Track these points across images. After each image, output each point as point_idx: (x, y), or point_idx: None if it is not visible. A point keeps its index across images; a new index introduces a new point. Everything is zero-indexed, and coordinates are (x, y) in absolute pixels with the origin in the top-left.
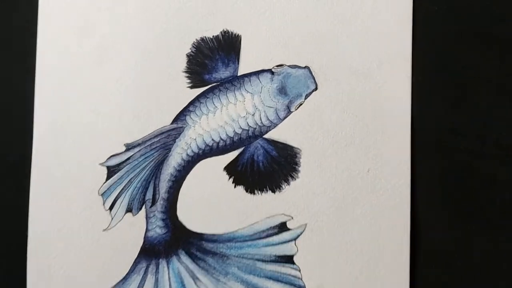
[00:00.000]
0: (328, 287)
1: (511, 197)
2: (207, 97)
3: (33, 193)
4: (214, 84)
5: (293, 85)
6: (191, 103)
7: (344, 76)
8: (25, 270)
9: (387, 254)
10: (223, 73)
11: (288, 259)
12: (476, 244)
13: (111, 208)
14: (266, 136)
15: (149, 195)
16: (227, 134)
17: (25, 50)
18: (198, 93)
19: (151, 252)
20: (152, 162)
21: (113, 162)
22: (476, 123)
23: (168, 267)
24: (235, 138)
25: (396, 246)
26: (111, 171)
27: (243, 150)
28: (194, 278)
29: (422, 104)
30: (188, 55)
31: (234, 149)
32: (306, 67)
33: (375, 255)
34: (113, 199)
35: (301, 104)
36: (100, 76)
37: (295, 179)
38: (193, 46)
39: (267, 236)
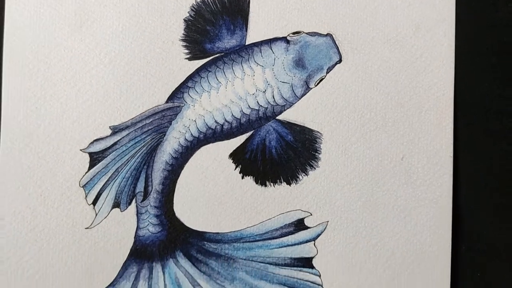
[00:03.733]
0: None
1: None
2: (209, 71)
3: (1, 187)
4: (217, 55)
5: (313, 57)
6: (190, 78)
7: (374, 45)
8: None
9: (425, 257)
10: (228, 41)
11: (306, 263)
12: None
13: (94, 202)
14: (280, 117)
15: (140, 187)
16: (233, 115)
17: None
18: (198, 65)
19: (143, 254)
20: (144, 148)
21: (97, 148)
22: None
23: (163, 272)
24: (243, 120)
25: (435, 246)
26: (95, 158)
27: (253, 134)
28: (195, 284)
29: (467, 78)
30: (186, 20)
31: (242, 133)
32: (328, 35)
33: (411, 258)
34: (97, 191)
35: (322, 79)
36: (80, 44)
37: (315, 169)
38: (192, 10)
39: (282, 235)
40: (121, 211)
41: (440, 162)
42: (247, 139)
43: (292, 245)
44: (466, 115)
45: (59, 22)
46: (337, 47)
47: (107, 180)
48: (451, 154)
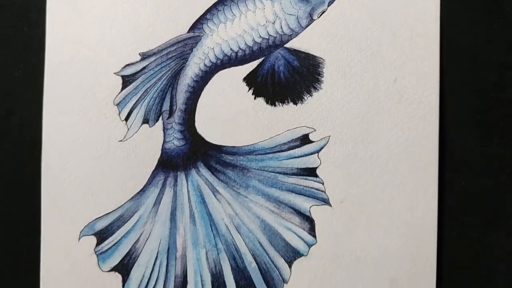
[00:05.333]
0: (352, 201)
1: None
2: (225, 5)
3: (46, 104)
4: None
5: None
6: (208, 10)
7: None
8: (39, 181)
9: (415, 166)
10: None
11: (310, 172)
12: (508, 158)
13: (127, 118)
14: (287, 45)
15: (166, 106)
16: (246, 44)
17: None
18: (216, 0)
19: (169, 164)
20: (169, 72)
21: (128, 71)
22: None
23: (186, 180)
24: (255, 48)
25: (424, 158)
26: (126, 81)
27: (263, 60)
28: (214, 191)
29: (453, 8)
30: None
31: (254, 59)
32: None
33: (402, 168)
34: (129, 109)
35: (324, 12)
36: None
37: (318, 90)
38: None
39: (289, 148)
40: (150, 127)
41: (428, 83)
42: (258, 65)
43: (298, 157)
44: (452, 42)
45: None
46: None
47: (137, 100)
48: (438, 76)
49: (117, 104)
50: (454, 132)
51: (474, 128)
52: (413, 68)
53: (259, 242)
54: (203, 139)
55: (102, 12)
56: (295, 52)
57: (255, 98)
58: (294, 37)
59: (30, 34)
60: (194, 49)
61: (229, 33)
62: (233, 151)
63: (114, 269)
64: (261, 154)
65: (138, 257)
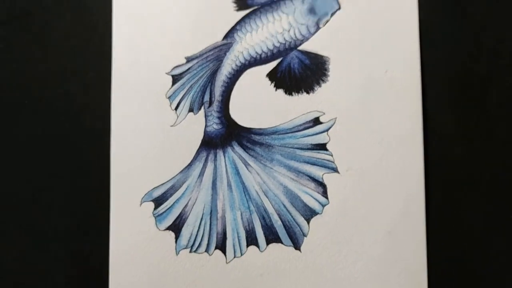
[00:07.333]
0: (356, 169)
1: None
2: (251, 18)
3: (114, 99)
4: (256, 7)
5: (321, 6)
6: (238, 23)
7: None
8: (109, 160)
9: (403, 140)
10: None
11: (322, 147)
12: (474, 121)
13: (176, 108)
14: (300, 48)
15: (206, 97)
16: (267, 47)
17: None
18: (243, 15)
19: (210, 144)
20: (208, 71)
21: (177, 71)
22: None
23: (224, 156)
24: (275, 51)
25: (410, 133)
26: (175, 79)
27: (282, 60)
28: (246, 164)
29: (430, 15)
30: None
31: (274, 60)
32: None
33: (394, 141)
34: (178, 101)
35: (327, 21)
36: (167, 5)
37: (325, 82)
38: None
39: (304, 128)
40: (194, 115)
41: (411, 74)
42: (278, 64)
43: (311, 135)
44: (430, 44)
45: None
46: None
47: (184, 93)
48: (419, 69)
49: (169, 97)
50: (434, 110)
51: (451, 106)
52: (400, 61)
53: (283, 204)
54: (236, 123)
55: (156, 26)
56: (306, 53)
57: (276, 90)
58: (305, 41)
59: (100, 44)
60: (227, 53)
61: (254, 39)
62: (260, 132)
63: (168, 228)
64: (282, 133)
65: (187, 218)
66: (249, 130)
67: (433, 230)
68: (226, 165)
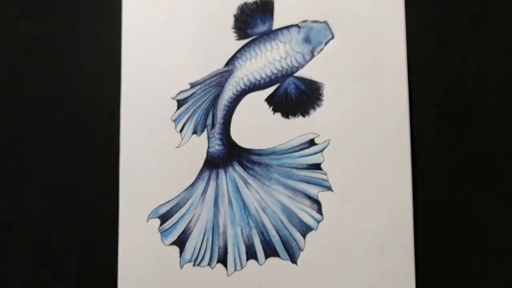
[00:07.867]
0: (348, 186)
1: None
2: (250, 47)
3: (123, 121)
4: (255, 36)
5: (315, 35)
6: (239, 51)
7: (353, 28)
8: (118, 179)
9: (391, 160)
10: (261, 28)
11: (317, 166)
12: (458, 143)
13: (181, 131)
14: (296, 74)
15: (209, 120)
16: (266, 74)
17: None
18: (243, 44)
19: (212, 164)
20: (211, 96)
21: (181, 96)
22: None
23: (225, 175)
24: (273, 77)
25: (398, 153)
26: (180, 103)
27: (279, 85)
28: (246, 182)
29: (418, 43)
30: (235, 16)
31: (272, 85)
32: (325, 22)
33: (381, 161)
34: (182, 124)
35: (322, 50)
36: (173, 35)
37: (320, 106)
38: (238, 9)
39: (300, 149)
40: (198, 136)
41: (399, 101)
42: (276, 89)
43: (307, 155)
44: (417, 72)
45: (161, 24)
46: (330, 29)
47: (188, 117)
48: (407, 96)
49: (174, 120)
50: (421, 132)
51: (436, 129)
52: (389, 87)
53: (280, 220)
54: (236, 144)
55: (163, 55)
56: (302, 79)
57: (274, 113)
58: (301, 68)
59: (109, 72)
60: (228, 79)
61: (254, 66)
62: (259, 153)
63: (173, 243)
64: (279, 154)
65: (191, 233)
66: (249, 151)
67: (421, 245)
68: (227, 184)
